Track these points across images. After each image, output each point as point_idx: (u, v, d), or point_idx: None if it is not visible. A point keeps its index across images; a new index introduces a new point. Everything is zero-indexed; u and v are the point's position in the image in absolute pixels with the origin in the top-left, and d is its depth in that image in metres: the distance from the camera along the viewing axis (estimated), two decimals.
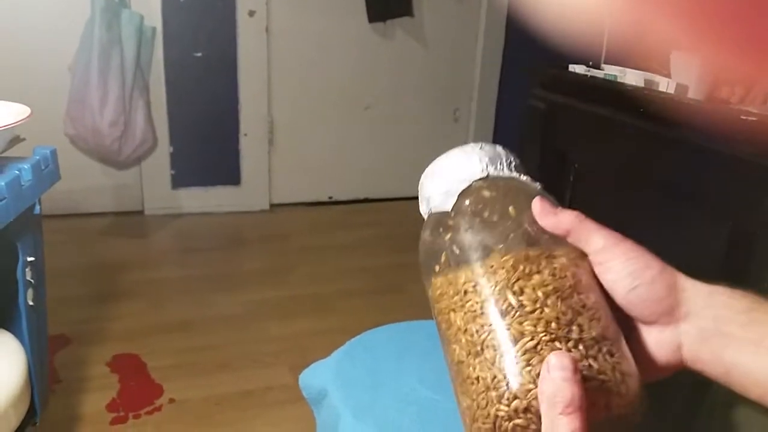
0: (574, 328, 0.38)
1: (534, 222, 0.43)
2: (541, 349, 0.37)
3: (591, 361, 0.37)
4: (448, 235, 0.44)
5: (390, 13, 2.85)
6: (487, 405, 0.38)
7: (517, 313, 0.39)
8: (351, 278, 2.33)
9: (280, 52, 2.80)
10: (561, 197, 1.39)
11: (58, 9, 2.46)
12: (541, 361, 0.37)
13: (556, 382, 0.35)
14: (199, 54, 2.70)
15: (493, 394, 0.38)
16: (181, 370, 1.74)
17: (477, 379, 0.39)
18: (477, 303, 0.40)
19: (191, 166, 2.82)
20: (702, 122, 0.99)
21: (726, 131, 0.95)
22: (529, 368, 0.37)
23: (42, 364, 1.15)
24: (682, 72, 1.15)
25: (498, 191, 0.45)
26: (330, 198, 3.07)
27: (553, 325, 0.38)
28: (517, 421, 0.37)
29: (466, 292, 0.41)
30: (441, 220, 0.45)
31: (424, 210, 0.48)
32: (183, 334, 1.92)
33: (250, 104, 2.81)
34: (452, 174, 0.46)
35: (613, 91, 1.23)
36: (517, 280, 0.40)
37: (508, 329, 0.38)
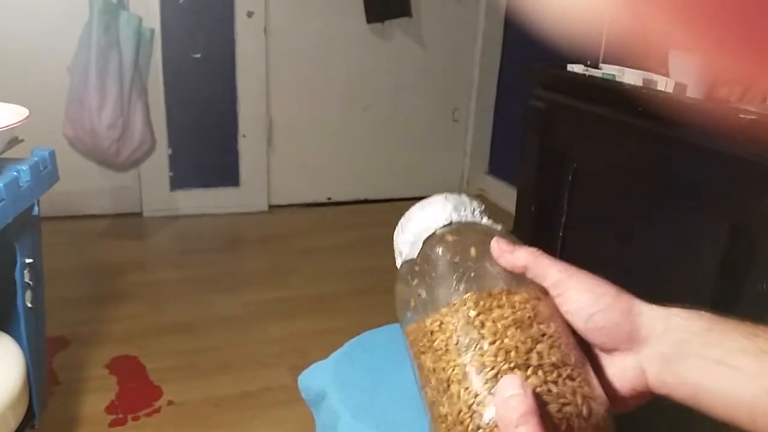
0: (534, 355, 0.39)
1: (495, 261, 0.45)
2: (501, 377, 0.38)
3: (551, 385, 0.38)
4: (415, 281, 0.46)
5: (388, 14, 2.85)
6: None
7: (478, 346, 0.39)
8: (350, 279, 2.33)
9: (279, 53, 2.79)
10: (560, 197, 1.39)
11: (56, 10, 2.46)
12: None
13: (507, 401, 0.35)
14: (198, 55, 2.69)
15: (459, 428, 0.38)
16: (180, 372, 1.74)
17: (446, 416, 0.39)
18: (442, 341, 0.41)
19: (190, 167, 2.82)
20: (701, 121, 0.99)
21: (725, 130, 0.95)
22: (490, 397, 0.37)
23: (40, 366, 1.15)
24: (680, 71, 1.15)
25: (460, 235, 0.47)
26: (329, 199, 3.07)
27: (513, 354, 0.39)
28: None
29: (432, 333, 0.42)
30: (410, 268, 0.47)
31: (399, 264, 0.50)
32: (182, 336, 1.91)
33: (248, 105, 2.81)
34: (418, 224, 0.48)
35: (612, 91, 1.23)
36: (478, 314, 0.41)
37: (471, 362, 0.39)
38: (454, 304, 0.42)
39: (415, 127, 3.10)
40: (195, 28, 2.66)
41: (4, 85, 2.20)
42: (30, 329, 1.09)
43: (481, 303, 0.41)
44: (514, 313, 0.41)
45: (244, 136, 2.84)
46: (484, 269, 0.44)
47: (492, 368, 0.38)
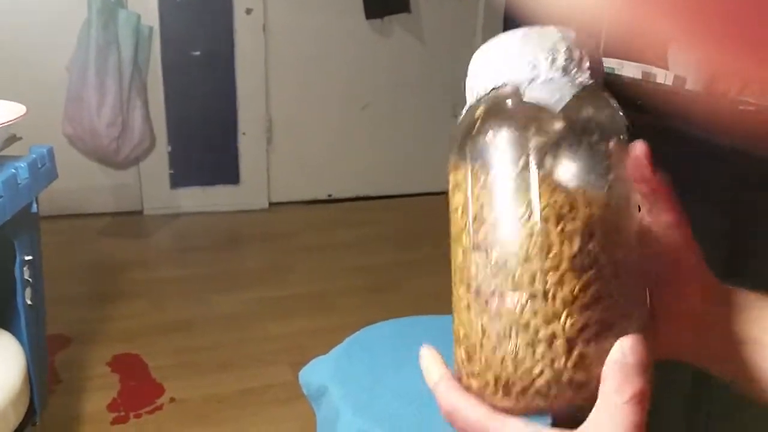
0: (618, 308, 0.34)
1: (613, 157, 0.37)
2: (606, 329, 0.33)
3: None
4: (477, 164, 0.37)
5: (387, 10, 2.84)
6: (531, 358, 0.33)
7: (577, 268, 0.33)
8: (350, 276, 2.33)
9: (278, 50, 2.79)
10: None
11: (55, 8, 2.46)
12: (605, 338, 0.33)
13: (627, 368, 0.32)
14: (197, 53, 2.69)
15: (544, 351, 0.33)
16: (181, 370, 1.74)
17: (527, 325, 0.34)
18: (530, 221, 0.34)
19: (190, 165, 2.82)
20: (700, 114, 0.99)
21: (724, 122, 0.94)
22: (598, 342, 0.33)
23: (41, 363, 1.15)
24: (679, 64, 1.15)
25: (577, 104, 0.37)
26: (329, 196, 3.07)
27: (605, 304, 0.34)
28: (565, 393, 0.33)
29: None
30: (498, 109, 0.37)
31: (471, 98, 0.40)
32: (183, 334, 1.91)
33: (248, 103, 2.81)
34: (492, 78, 0.38)
35: (611, 84, 1.23)
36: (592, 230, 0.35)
37: (563, 286, 0.33)
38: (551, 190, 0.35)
39: (415, 123, 3.09)
40: (193, 26, 2.65)
41: (2, 83, 2.20)
42: (30, 326, 1.09)
43: (581, 210, 0.35)
44: (610, 235, 0.35)
45: (243, 133, 2.84)
46: (604, 164, 0.37)
47: (594, 305, 0.33)
